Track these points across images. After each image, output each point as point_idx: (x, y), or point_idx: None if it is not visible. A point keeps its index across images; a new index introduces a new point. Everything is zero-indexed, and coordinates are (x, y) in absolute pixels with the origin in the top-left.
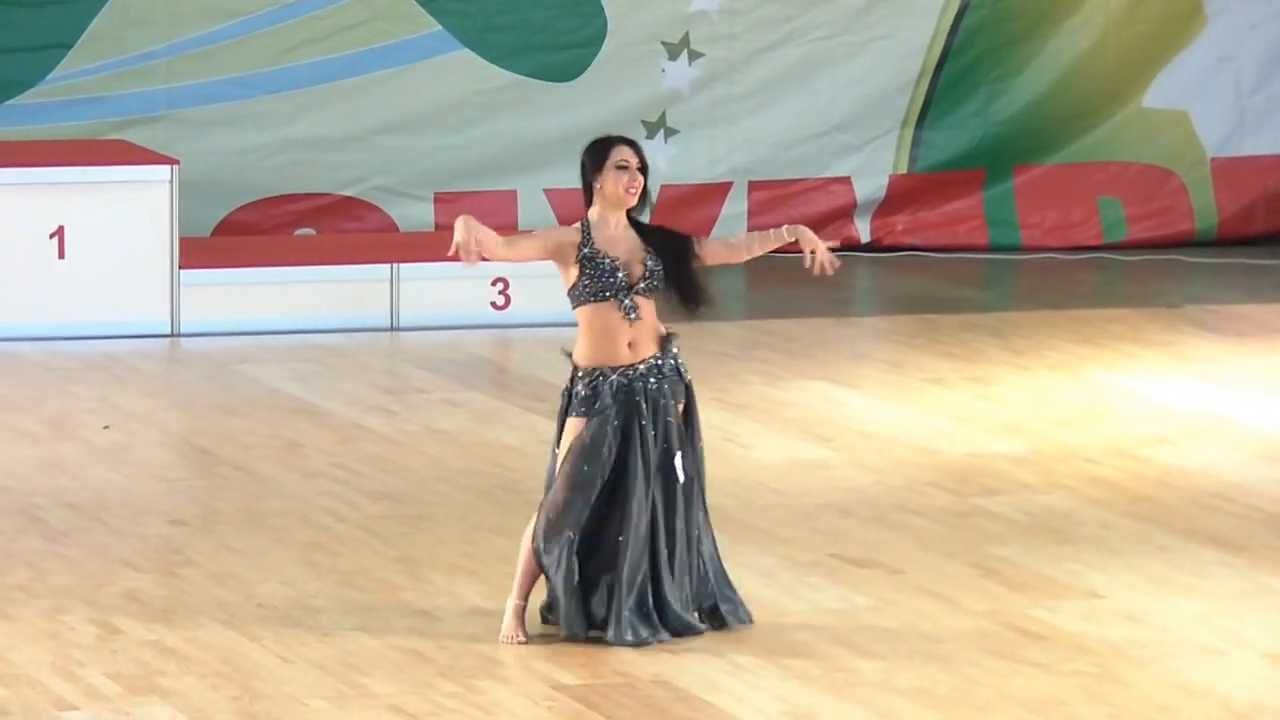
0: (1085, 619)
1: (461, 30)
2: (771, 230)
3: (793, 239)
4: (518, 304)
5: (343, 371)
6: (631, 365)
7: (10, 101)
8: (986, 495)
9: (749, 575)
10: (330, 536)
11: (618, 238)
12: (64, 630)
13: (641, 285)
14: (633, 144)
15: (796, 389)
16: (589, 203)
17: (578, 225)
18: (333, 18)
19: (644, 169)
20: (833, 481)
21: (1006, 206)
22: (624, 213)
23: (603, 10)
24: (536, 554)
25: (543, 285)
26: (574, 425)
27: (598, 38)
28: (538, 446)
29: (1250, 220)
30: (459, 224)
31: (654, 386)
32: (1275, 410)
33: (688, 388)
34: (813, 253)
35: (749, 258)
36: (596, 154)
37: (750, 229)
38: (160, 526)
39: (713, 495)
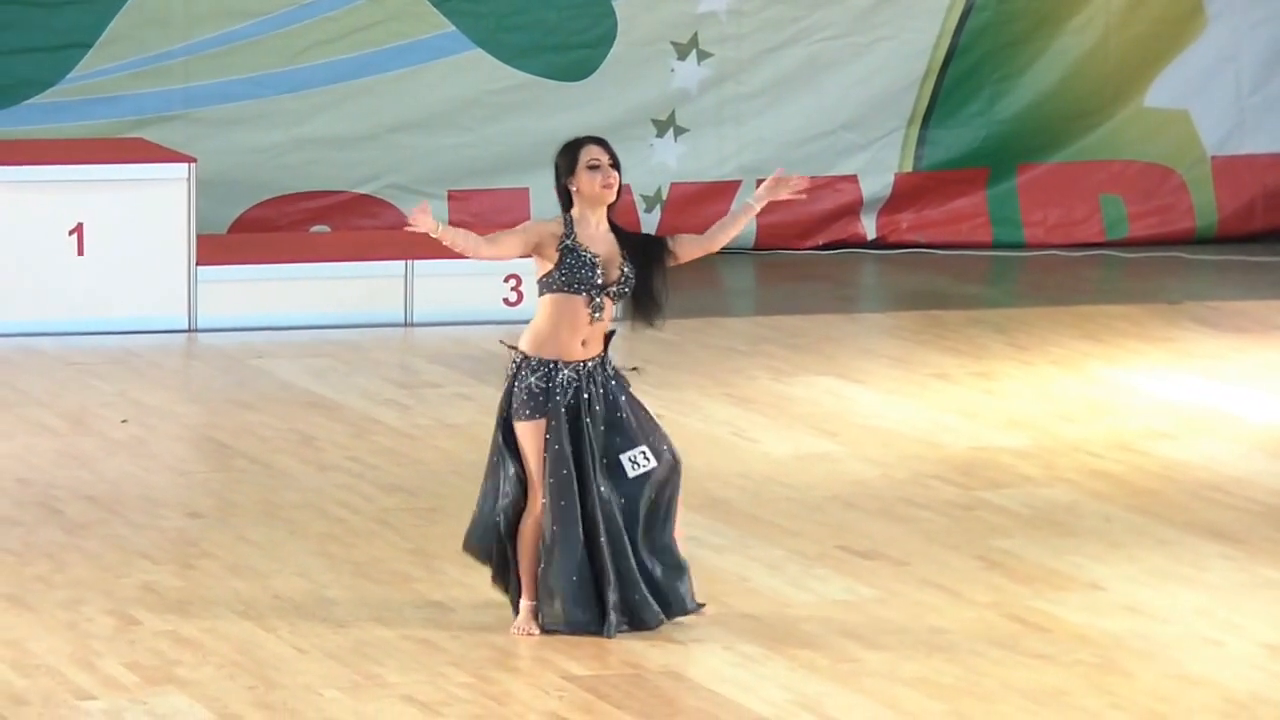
0: (1087, 611)
1: (474, 31)
2: (733, 211)
3: (759, 205)
4: (529, 300)
5: (357, 366)
6: (582, 362)
7: (30, 101)
8: (990, 488)
9: (756, 567)
10: (345, 528)
11: (598, 238)
12: (82, 621)
13: (613, 289)
14: (602, 142)
15: (803, 384)
16: (566, 206)
17: (560, 218)
18: (347, 18)
19: (616, 165)
20: (839, 475)
21: (1010, 204)
22: (604, 213)
23: (613, 11)
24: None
25: None
26: (533, 429)
27: (608, 38)
28: None
29: (1250, 218)
30: (424, 219)
31: (601, 384)
32: (1274, 405)
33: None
34: (779, 184)
35: (724, 243)
36: (567, 156)
37: (759, 227)
38: (177, 519)
39: (720, 488)
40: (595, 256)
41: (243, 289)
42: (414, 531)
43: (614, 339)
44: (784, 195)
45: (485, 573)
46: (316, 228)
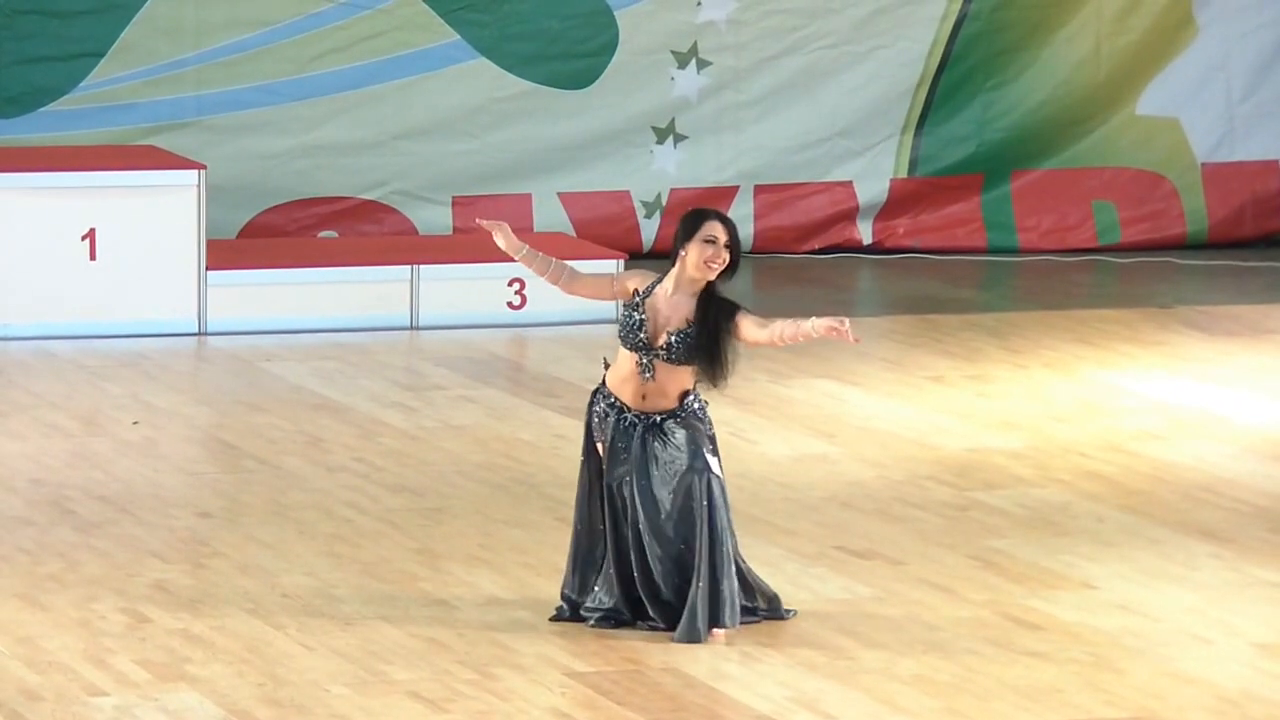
0: (1080, 609)
1: (479, 40)
2: (803, 323)
3: (816, 335)
4: (533, 304)
5: (364, 369)
6: (645, 414)
7: (45, 108)
8: (985, 489)
9: (755, 566)
10: (351, 528)
11: (674, 302)
12: (95, 619)
13: (660, 353)
14: (727, 222)
15: (801, 386)
16: (672, 264)
17: (655, 277)
18: (355, 27)
19: (730, 246)
20: (836, 476)
21: (1004, 210)
22: (700, 285)
23: (615, 20)
24: None
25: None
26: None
27: (610, 47)
28: (551, 441)
29: (1239, 224)
30: (505, 239)
31: (665, 437)
32: (1264, 407)
33: (711, 437)
34: (837, 330)
35: (780, 345)
36: (690, 224)
37: (757, 231)
38: (188, 518)
39: None
40: (644, 318)
41: (252, 293)
42: (419, 531)
43: (693, 400)
44: (843, 335)
45: (488, 571)
46: (324, 233)
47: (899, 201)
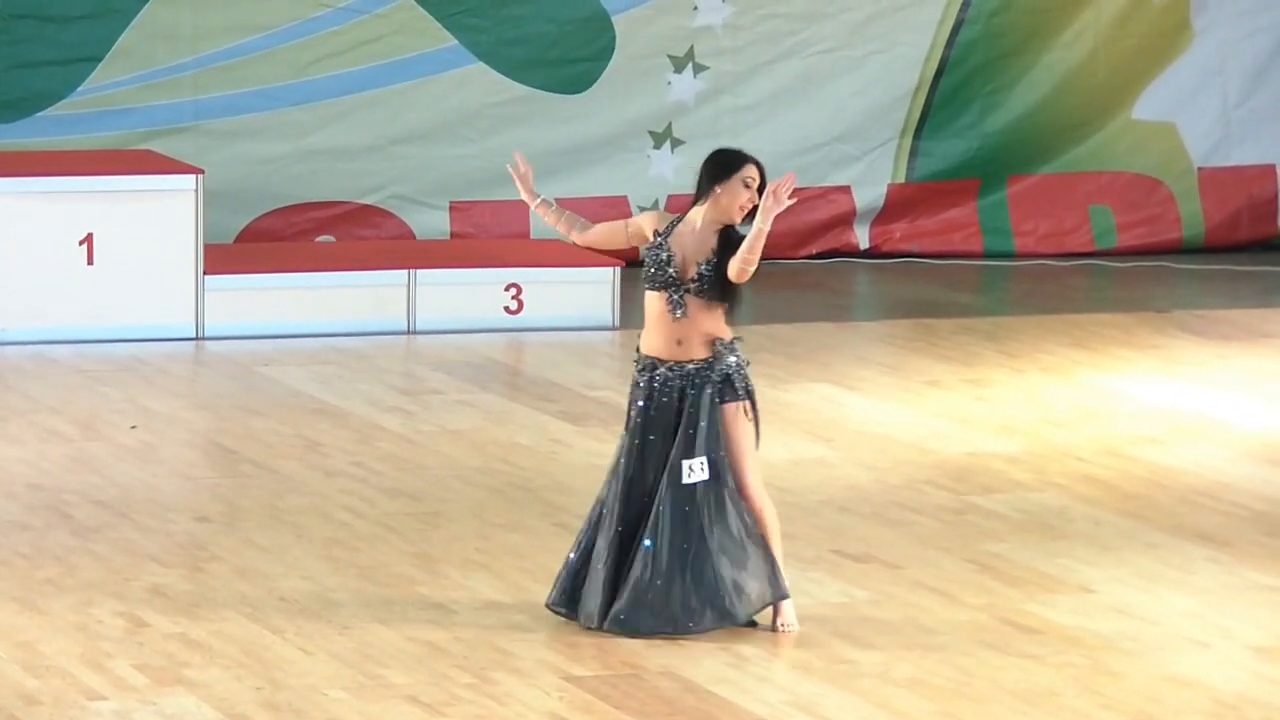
0: (1077, 613)
1: (476, 45)
2: (752, 227)
3: (767, 228)
4: (530, 308)
5: (361, 373)
6: (679, 363)
7: (42, 113)
8: (982, 493)
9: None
10: (349, 532)
11: (695, 238)
12: (92, 623)
13: (691, 286)
14: (762, 168)
15: (799, 391)
16: (696, 202)
17: (673, 217)
18: (353, 32)
19: (760, 192)
20: (834, 480)
21: (1001, 215)
22: (721, 225)
23: (611, 25)
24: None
25: (554, 290)
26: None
27: (607, 51)
28: (549, 446)
29: (1236, 228)
30: (525, 188)
31: (696, 390)
32: (1260, 411)
33: (750, 394)
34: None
35: (753, 261)
36: (727, 163)
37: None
38: (186, 523)
39: None
40: (672, 254)
41: (249, 298)
42: (417, 535)
43: (727, 348)
44: (783, 205)
45: (485, 575)
46: (322, 237)
47: (896, 206)
